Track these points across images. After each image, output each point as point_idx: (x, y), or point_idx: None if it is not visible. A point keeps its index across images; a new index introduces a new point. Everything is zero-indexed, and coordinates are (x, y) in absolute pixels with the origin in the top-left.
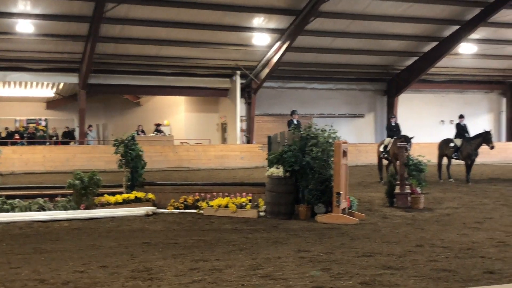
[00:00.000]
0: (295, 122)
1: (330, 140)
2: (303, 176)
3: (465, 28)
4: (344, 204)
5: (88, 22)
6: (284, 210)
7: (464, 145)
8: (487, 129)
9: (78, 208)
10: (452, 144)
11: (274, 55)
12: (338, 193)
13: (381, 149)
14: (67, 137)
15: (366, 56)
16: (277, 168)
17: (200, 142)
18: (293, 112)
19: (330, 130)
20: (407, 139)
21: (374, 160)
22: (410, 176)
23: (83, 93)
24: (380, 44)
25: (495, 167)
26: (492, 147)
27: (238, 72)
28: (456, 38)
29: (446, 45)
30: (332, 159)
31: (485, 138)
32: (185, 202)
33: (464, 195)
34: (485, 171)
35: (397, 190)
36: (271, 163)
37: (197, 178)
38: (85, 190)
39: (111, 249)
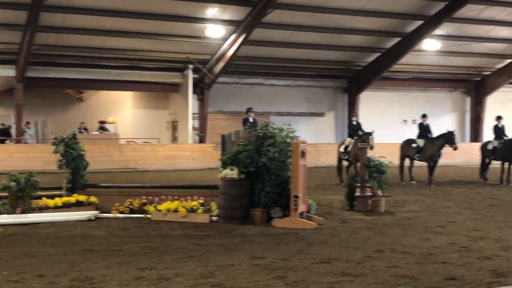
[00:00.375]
0: (251, 120)
1: (288, 140)
2: (259, 178)
3: (429, 24)
4: (302, 208)
5: (26, 9)
6: (239, 214)
7: (427, 146)
8: (451, 129)
9: (14, 212)
10: (414, 145)
11: (229, 48)
12: (296, 196)
13: (342, 149)
14: (3, 135)
15: (326, 51)
16: (231, 170)
17: (148, 141)
18: (249, 110)
19: (288, 129)
20: (366, 135)
21: (334, 161)
22: (371, 178)
23: (21, 87)
24: (341, 39)
25: (458, 169)
26: (455, 148)
27: (190, 66)
28: (419, 34)
29: (409, 41)
30: (290, 160)
31: (448, 138)
32: (131, 206)
33: (427, 198)
34: (448, 173)
35: (358, 192)
36: (225, 164)
37: (144, 180)
38: (21, 192)
39: (49, 256)
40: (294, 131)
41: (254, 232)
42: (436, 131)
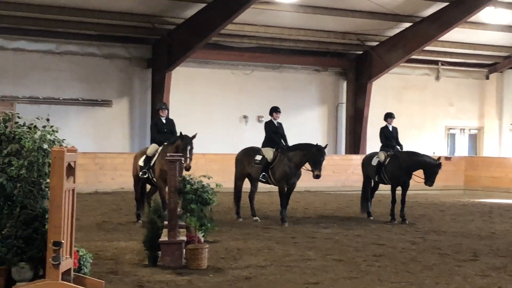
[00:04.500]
0: None
1: (45, 146)
2: None
3: None
4: (67, 264)
5: None
6: None
7: (279, 160)
8: (319, 143)
9: None
10: (258, 158)
11: None
12: (57, 243)
13: (141, 163)
14: None
15: None
16: None
17: None
18: None
19: (46, 127)
20: (183, 140)
21: (129, 181)
22: (187, 212)
23: None
24: None
25: (327, 197)
26: (317, 176)
27: None
28: None
29: None
30: (48, 180)
31: (311, 156)
32: None
33: (277, 244)
34: (312, 204)
35: (164, 236)
36: None
37: None
38: None
39: None
40: (55, 131)
41: None
42: (293, 137)
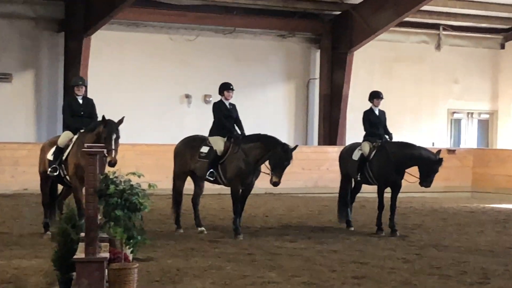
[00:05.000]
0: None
1: None
2: None
3: None
4: None
5: None
6: None
7: (232, 153)
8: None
9: None
10: (204, 150)
11: None
12: None
13: (50, 156)
14: None
15: None
16: None
17: None
18: None
19: None
20: (105, 126)
21: (35, 180)
22: (110, 221)
23: None
24: None
25: (296, 201)
26: (275, 183)
27: None
28: None
29: None
30: None
31: (272, 153)
32: None
33: (228, 262)
34: (274, 210)
35: (81, 252)
36: None
37: None
38: None
39: None
40: None
41: None
42: (250, 123)
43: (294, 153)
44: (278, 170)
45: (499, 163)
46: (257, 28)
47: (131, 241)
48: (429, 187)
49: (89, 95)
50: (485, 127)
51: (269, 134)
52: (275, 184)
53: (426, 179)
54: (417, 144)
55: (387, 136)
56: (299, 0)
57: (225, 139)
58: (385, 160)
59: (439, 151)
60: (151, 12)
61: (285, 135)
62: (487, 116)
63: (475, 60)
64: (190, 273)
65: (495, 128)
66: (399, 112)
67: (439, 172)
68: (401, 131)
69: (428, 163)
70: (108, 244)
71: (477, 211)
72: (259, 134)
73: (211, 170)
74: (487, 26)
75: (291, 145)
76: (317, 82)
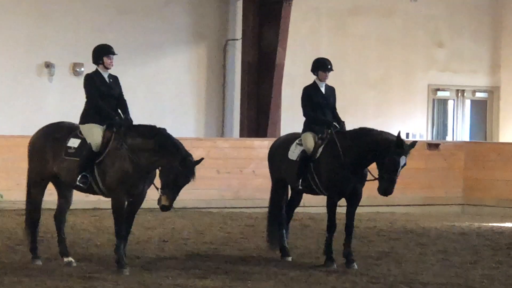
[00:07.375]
0: None
1: None
2: None
3: None
4: None
5: None
6: None
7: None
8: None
9: None
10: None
11: None
12: None
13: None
14: None
15: None
16: None
17: None
18: None
19: None
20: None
21: None
22: None
23: None
24: None
25: (206, 219)
26: (163, 207)
27: None
28: None
29: None
30: None
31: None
32: None
33: None
34: (177, 231)
35: None
36: None
37: None
38: None
39: None
40: None
41: None
42: (141, 104)
43: (206, 150)
44: (170, 190)
45: (501, 163)
46: None
47: None
48: (390, 193)
49: None
50: (482, 110)
51: (168, 128)
52: (164, 208)
53: (385, 178)
54: (378, 129)
55: (337, 125)
56: None
57: (104, 127)
58: (337, 158)
59: (414, 143)
60: None
61: (191, 122)
62: (484, 95)
63: (467, 14)
64: None
65: (495, 113)
66: (356, 89)
67: (416, 177)
68: (358, 116)
69: (386, 148)
70: None
71: (470, 233)
72: (156, 128)
73: (84, 173)
74: None
75: (201, 136)
76: (238, 44)
